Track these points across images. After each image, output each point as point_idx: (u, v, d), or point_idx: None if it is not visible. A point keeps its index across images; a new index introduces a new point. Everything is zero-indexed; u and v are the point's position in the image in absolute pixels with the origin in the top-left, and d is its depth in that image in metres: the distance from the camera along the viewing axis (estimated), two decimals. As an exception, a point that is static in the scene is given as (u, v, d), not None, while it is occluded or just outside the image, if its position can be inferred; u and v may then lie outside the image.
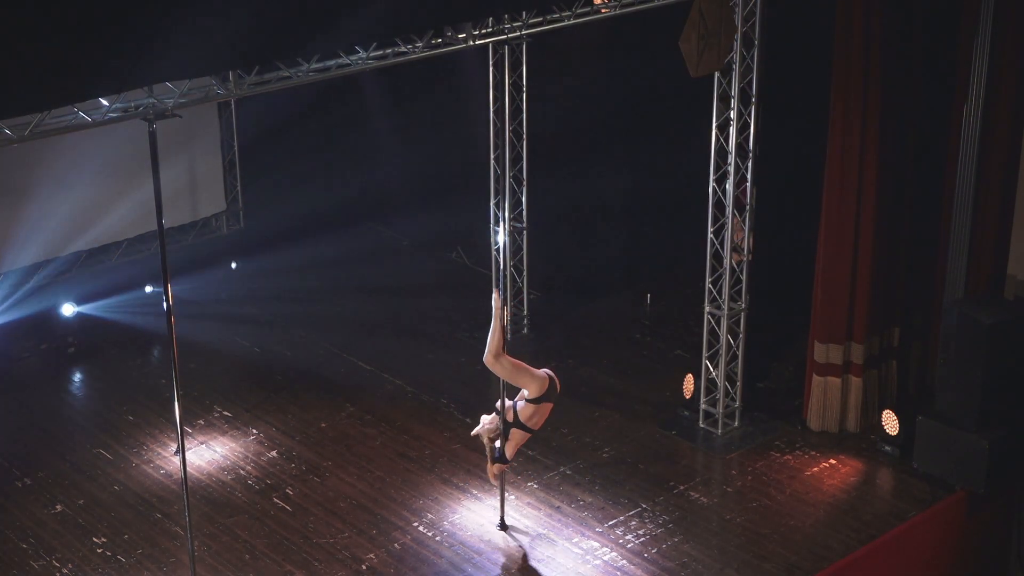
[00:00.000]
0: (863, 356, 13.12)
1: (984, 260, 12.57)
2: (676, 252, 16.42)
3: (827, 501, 12.32)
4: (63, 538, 11.75)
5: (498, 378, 11.36)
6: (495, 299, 11.17)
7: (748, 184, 12.68)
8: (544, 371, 11.34)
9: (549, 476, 12.64)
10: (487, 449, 11.54)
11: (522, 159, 14.59)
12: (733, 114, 12.43)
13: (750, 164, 12.62)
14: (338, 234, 17.38)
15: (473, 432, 11.62)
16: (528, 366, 11.27)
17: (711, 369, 13.29)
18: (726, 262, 12.87)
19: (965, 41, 12.18)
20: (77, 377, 14.63)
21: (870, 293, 12.98)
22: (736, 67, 12.24)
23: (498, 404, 11.39)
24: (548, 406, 11.36)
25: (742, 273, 12.98)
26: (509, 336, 11.71)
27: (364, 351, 14.92)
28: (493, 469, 11.59)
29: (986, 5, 11.77)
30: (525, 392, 11.26)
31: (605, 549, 11.63)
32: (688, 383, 13.58)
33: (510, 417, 11.30)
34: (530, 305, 15.30)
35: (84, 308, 15.51)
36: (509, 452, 11.43)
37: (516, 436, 11.42)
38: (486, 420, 11.47)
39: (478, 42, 11.03)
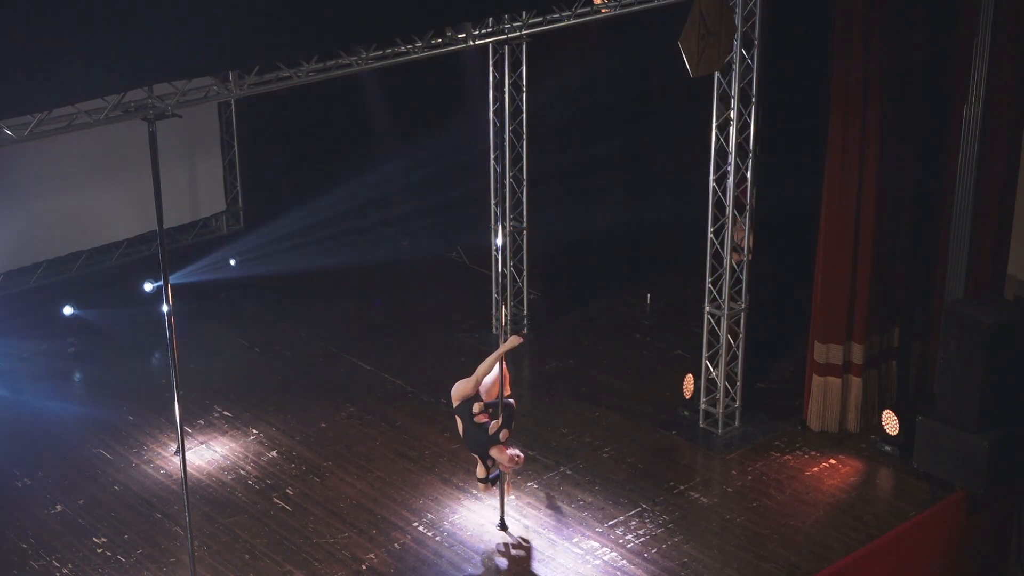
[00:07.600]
0: (863, 356, 13.12)
1: (984, 260, 12.56)
2: (676, 252, 16.41)
3: (827, 501, 12.32)
4: (63, 538, 11.75)
5: (496, 379, 11.36)
6: (514, 340, 11.16)
7: (748, 184, 12.68)
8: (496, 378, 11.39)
9: (549, 476, 12.64)
10: (483, 470, 11.51)
11: (522, 159, 14.58)
12: (733, 114, 12.42)
13: (750, 164, 12.62)
14: (338, 234, 17.39)
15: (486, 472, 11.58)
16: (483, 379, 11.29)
17: (711, 369, 13.28)
18: (726, 262, 12.87)
19: (965, 41, 12.18)
20: (77, 377, 14.63)
21: (870, 293, 12.98)
22: (736, 67, 12.24)
23: (491, 429, 11.36)
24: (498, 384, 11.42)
25: (742, 273, 12.98)
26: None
27: (364, 351, 14.92)
28: (483, 479, 11.64)
29: (986, 5, 11.76)
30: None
31: (605, 549, 11.63)
32: (688, 383, 13.58)
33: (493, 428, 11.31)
34: (530, 305, 15.30)
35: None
36: (504, 435, 11.36)
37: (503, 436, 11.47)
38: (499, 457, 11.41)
39: (478, 42, 11.03)
